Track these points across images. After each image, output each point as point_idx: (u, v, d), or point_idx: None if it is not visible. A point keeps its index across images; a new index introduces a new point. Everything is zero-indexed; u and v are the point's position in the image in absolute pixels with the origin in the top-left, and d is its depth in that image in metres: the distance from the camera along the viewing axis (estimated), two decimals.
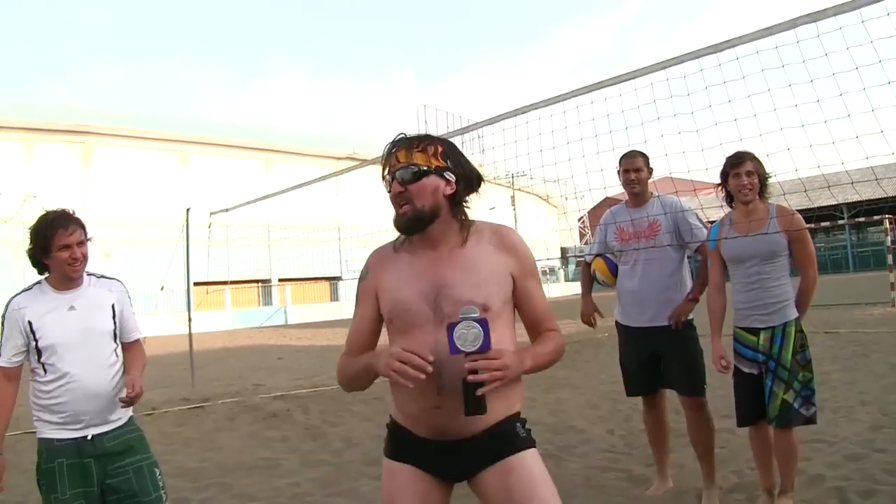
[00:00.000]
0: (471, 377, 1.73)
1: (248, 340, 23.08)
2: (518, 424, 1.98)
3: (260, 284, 39.41)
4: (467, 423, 1.85)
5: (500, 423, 1.94)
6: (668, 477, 4.14)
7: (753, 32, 3.53)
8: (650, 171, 4.10)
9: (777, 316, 3.50)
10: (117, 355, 2.88)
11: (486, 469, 1.92)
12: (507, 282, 1.98)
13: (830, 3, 3.24)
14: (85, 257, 2.76)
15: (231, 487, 4.72)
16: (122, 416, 2.84)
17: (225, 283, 32.50)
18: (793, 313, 3.53)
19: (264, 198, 10.29)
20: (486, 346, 1.73)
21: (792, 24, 3.37)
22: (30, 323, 2.71)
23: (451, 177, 1.96)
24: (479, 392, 1.72)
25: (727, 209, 3.77)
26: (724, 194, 3.69)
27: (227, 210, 10.46)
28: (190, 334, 11.17)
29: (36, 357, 2.73)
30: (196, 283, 11.78)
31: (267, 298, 40.01)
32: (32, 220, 2.79)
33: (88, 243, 2.80)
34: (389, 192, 1.94)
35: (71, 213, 2.81)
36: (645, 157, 4.07)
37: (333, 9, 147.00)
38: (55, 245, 2.68)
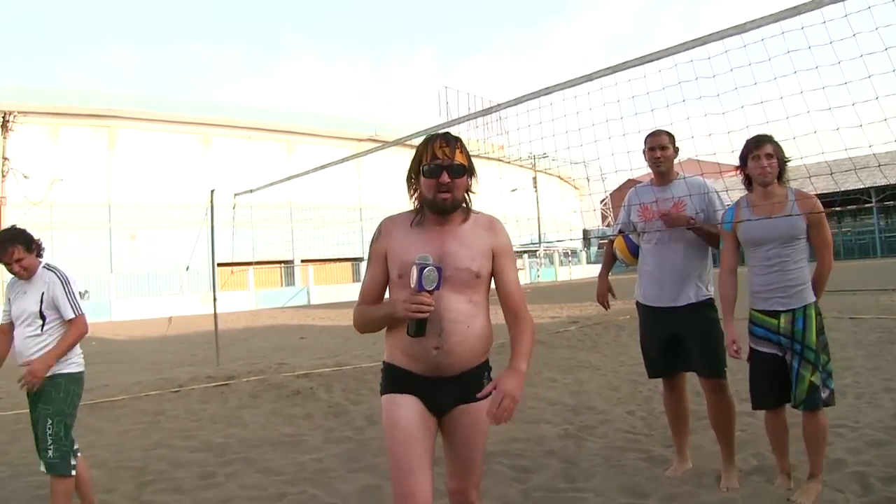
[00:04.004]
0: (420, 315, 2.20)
1: (272, 320, 23.33)
2: (486, 373, 2.46)
3: (283, 265, 39.75)
4: (455, 363, 2.33)
5: (474, 368, 2.41)
6: (688, 458, 4.15)
7: (779, 13, 3.46)
8: (676, 150, 4.06)
9: (797, 299, 3.50)
10: (43, 330, 3.67)
11: (455, 408, 2.39)
12: (490, 256, 2.41)
13: None
14: (25, 268, 3.66)
15: (256, 462, 4.84)
16: (55, 370, 3.64)
17: (249, 263, 33.09)
18: (811, 296, 3.53)
19: (287, 179, 10.36)
20: (438, 287, 2.21)
21: (818, 3, 3.30)
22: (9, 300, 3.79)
23: (471, 174, 2.43)
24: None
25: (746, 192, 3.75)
26: (742, 177, 3.68)
27: (251, 191, 10.57)
28: (215, 314, 11.38)
29: None
30: (220, 264, 11.93)
31: (290, 279, 40.34)
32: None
33: (31, 254, 3.67)
34: (434, 177, 2.32)
35: (9, 237, 3.64)
36: (671, 136, 4.04)
37: None
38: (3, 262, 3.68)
